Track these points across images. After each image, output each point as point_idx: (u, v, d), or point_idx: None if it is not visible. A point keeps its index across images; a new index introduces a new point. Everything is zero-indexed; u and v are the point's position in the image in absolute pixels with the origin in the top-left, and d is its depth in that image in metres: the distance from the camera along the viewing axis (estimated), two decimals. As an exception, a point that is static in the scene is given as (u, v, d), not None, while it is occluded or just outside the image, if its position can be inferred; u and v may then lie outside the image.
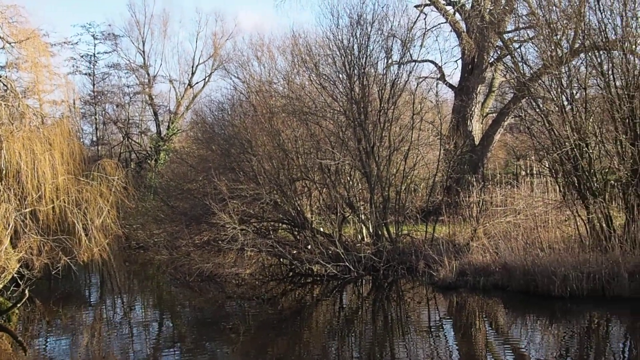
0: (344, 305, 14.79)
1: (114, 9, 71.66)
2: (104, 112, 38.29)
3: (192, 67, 37.46)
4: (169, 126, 36.51)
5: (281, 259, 18.11)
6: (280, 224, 18.58)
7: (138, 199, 19.18)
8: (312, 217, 18.47)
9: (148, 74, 37.72)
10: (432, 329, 11.80)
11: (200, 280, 16.42)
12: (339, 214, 17.57)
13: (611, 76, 14.39)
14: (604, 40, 14.48)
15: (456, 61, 25.19)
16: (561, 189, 16.21)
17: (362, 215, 17.99)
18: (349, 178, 18.31)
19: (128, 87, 38.20)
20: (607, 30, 14.51)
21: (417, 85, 20.49)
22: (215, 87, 52.20)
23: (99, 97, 37.58)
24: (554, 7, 15.90)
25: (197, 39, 41.99)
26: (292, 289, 16.63)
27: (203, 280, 16.43)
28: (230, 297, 15.70)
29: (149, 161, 34.76)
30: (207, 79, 37.57)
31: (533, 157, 18.33)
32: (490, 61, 22.90)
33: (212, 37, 38.80)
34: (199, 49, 49.06)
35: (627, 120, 14.03)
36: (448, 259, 14.75)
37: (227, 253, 16.62)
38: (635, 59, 14.33)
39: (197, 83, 37.94)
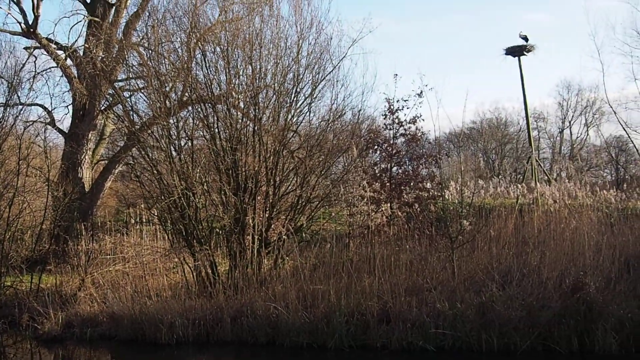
0: None
1: None
2: None
3: None
4: None
5: None
6: None
7: None
8: None
9: None
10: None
11: None
12: None
13: (216, 129, 15.63)
14: (209, 94, 15.68)
15: (67, 107, 24.42)
16: (170, 237, 16.79)
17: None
18: None
19: None
20: (212, 85, 15.78)
21: (25, 129, 20.07)
22: None
23: None
24: (164, 60, 16.68)
25: None
26: None
27: None
28: None
29: None
30: None
31: (143, 205, 18.78)
32: (102, 109, 22.76)
33: None
34: None
35: (230, 171, 15.29)
36: (54, 311, 14.30)
37: None
38: (238, 113, 15.81)
39: None
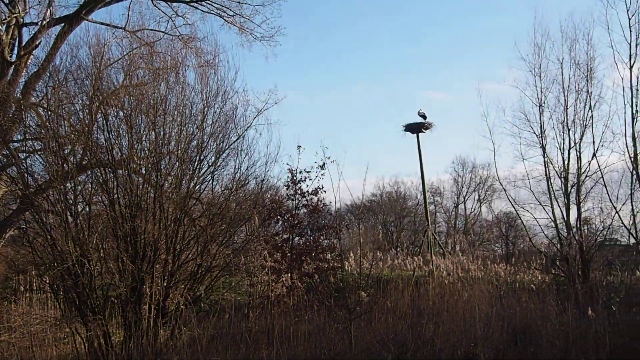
0: None
1: None
2: None
3: None
4: None
5: None
6: None
7: None
8: None
9: None
10: None
11: None
12: None
13: (116, 194, 15.54)
14: (110, 158, 15.65)
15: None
16: (61, 305, 16.24)
17: None
18: None
19: None
20: (113, 149, 15.79)
21: None
22: None
23: None
24: (64, 122, 16.56)
25: None
26: None
27: None
28: None
29: None
30: None
31: (34, 272, 18.08)
32: (-5, 169, 22.00)
33: None
34: None
35: (128, 238, 15.17)
36: None
37: None
38: (139, 179, 15.83)
39: None
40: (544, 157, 22.43)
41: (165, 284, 15.28)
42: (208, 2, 16.68)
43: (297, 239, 20.04)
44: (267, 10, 16.93)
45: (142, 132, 16.21)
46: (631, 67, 21.10)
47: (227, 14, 16.96)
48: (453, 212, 51.08)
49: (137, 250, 15.15)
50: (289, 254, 19.20)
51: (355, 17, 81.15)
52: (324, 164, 19.48)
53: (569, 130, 21.96)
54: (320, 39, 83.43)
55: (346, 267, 20.79)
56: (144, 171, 16.11)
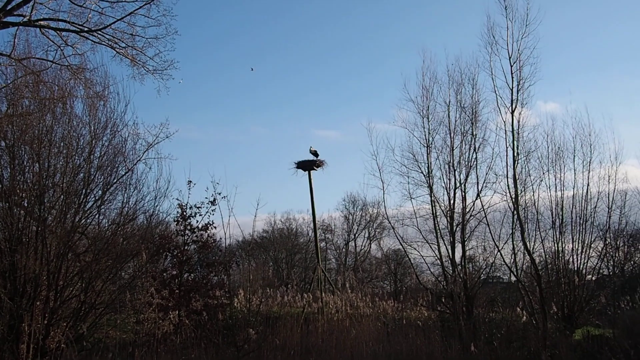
0: None
1: None
2: None
3: None
4: None
5: None
6: None
7: None
8: None
9: None
10: None
11: None
12: None
13: (-4, 228, 15.06)
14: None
15: None
16: None
17: None
18: None
19: None
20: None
21: None
22: None
23: None
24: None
25: None
26: None
27: None
28: None
29: None
30: None
31: None
32: None
33: None
34: None
35: (7, 274, 14.69)
36: None
37: None
38: (21, 211, 15.42)
39: None
40: (431, 197, 23.20)
41: (45, 322, 14.86)
42: (99, 32, 16.55)
43: (186, 275, 19.98)
44: (161, 43, 16.96)
45: (25, 163, 15.88)
46: (513, 112, 22.41)
47: (119, 46, 16.89)
48: (344, 249, 52.10)
49: (16, 287, 14.70)
50: (177, 291, 19.11)
51: (251, 56, 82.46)
52: (214, 199, 19.66)
53: (454, 170, 22.90)
54: (218, 76, 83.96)
55: (235, 304, 20.90)
56: (26, 204, 15.73)
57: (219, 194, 19.65)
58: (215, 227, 20.02)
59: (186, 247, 19.88)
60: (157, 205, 17.82)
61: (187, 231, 19.86)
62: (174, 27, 16.91)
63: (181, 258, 19.64)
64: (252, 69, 66.43)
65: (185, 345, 17.10)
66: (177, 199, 19.83)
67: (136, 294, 17.46)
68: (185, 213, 19.89)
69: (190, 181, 19.73)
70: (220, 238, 20.64)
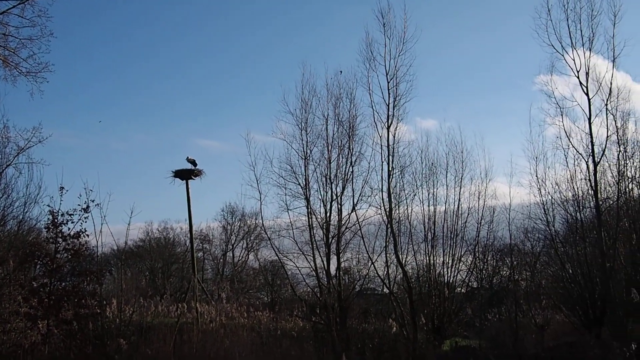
0: None
1: None
2: None
3: None
4: None
5: None
6: None
7: None
8: None
9: None
10: None
11: None
12: None
13: None
14: None
15: None
16: None
17: None
18: None
19: None
20: None
21: None
22: None
23: None
24: None
25: None
26: None
27: None
28: None
29: None
30: None
31: None
32: None
33: None
34: None
35: None
36: None
37: None
38: None
39: None
40: (308, 208, 24.17)
41: None
42: (-32, 31, 16.23)
43: (57, 283, 19.75)
44: (35, 45, 16.80)
45: None
46: (389, 127, 23.87)
47: (-10, 46, 16.61)
48: (221, 260, 52.23)
49: None
50: (46, 300, 18.91)
51: (131, 59, 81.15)
52: (87, 206, 19.56)
53: (331, 183, 24.07)
54: (95, 82, 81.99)
55: (108, 314, 20.93)
56: None
57: (92, 201, 19.59)
58: (88, 235, 19.92)
59: (57, 255, 19.72)
60: (26, 212, 17.66)
61: (58, 238, 19.70)
62: (49, 28, 16.85)
63: (52, 266, 19.48)
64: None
65: (54, 356, 17.07)
66: (49, 205, 19.61)
67: (3, 302, 17.21)
68: (56, 220, 19.69)
69: (63, 187, 19.47)
70: (94, 246, 20.61)
